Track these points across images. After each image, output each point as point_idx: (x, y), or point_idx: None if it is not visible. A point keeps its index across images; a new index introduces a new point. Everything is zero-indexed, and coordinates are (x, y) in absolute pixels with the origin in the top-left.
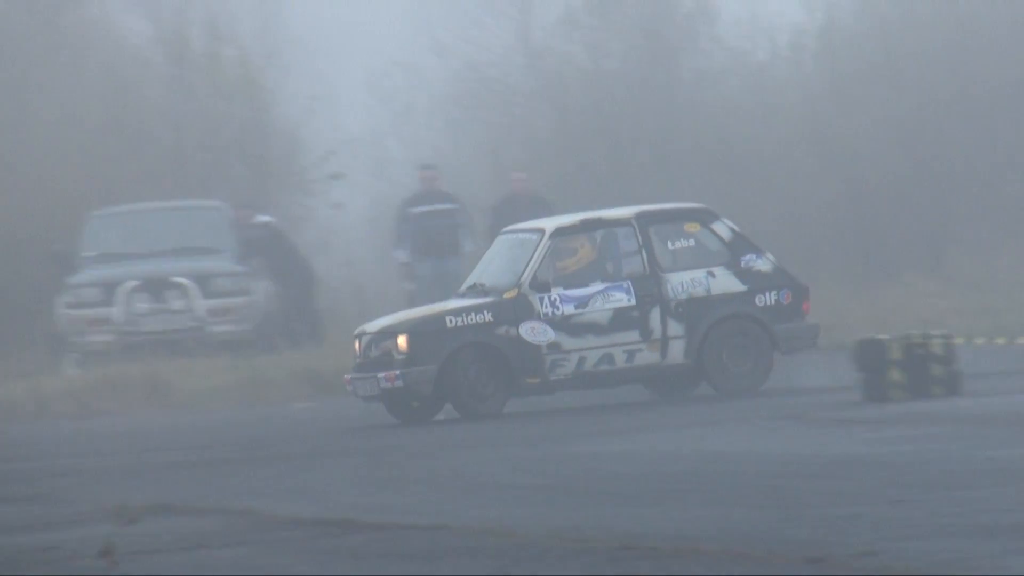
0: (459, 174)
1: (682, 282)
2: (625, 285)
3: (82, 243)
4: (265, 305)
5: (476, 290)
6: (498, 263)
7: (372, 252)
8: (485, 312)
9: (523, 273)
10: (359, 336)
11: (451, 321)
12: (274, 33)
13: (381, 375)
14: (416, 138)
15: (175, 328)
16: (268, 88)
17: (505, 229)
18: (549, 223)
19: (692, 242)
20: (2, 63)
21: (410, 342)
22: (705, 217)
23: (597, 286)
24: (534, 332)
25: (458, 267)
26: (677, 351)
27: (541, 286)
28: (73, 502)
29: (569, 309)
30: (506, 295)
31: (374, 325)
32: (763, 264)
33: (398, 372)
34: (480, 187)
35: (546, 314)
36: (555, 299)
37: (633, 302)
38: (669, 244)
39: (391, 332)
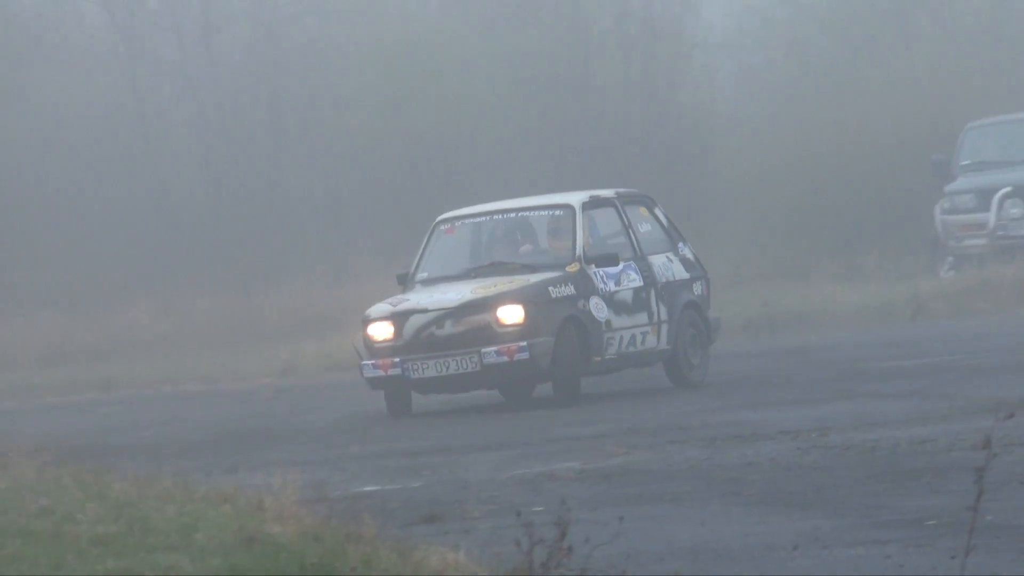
0: None
1: (658, 265)
2: (633, 264)
3: (959, 153)
4: None
5: (496, 269)
6: (489, 246)
7: None
8: (570, 284)
9: (575, 247)
10: (395, 317)
11: (553, 292)
12: None
13: (491, 349)
14: None
15: None
16: None
17: (445, 216)
18: (573, 198)
19: (648, 227)
20: None
21: (527, 312)
22: (649, 203)
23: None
24: (597, 308)
25: None
26: (664, 336)
27: (603, 260)
28: (949, 397)
29: (612, 286)
30: (569, 268)
31: (429, 302)
32: (689, 253)
33: (523, 344)
34: None
35: (601, 289)
36: (602, 275)
37: (641, 283)
38: (640, 227)
39: (486, 305)
